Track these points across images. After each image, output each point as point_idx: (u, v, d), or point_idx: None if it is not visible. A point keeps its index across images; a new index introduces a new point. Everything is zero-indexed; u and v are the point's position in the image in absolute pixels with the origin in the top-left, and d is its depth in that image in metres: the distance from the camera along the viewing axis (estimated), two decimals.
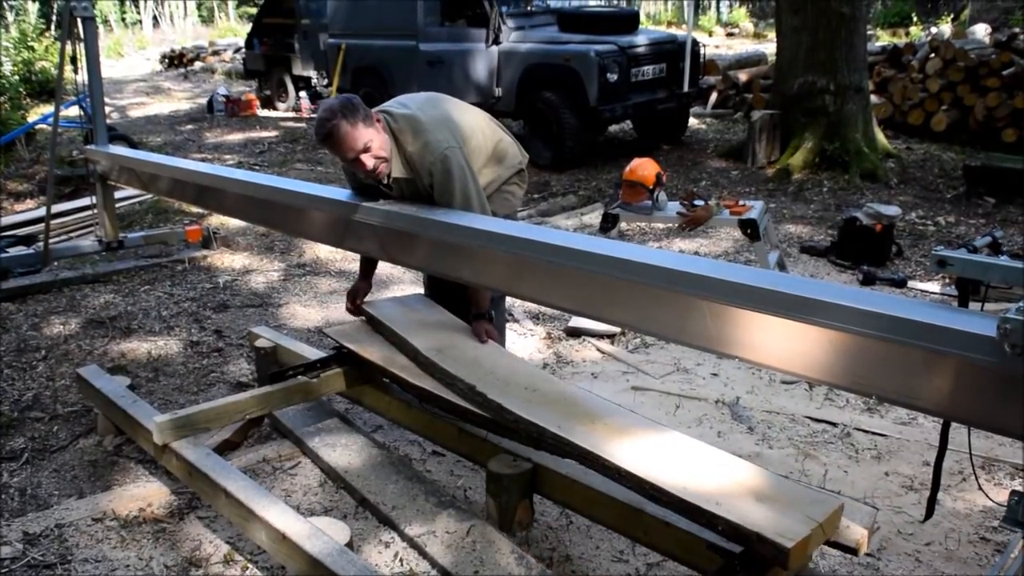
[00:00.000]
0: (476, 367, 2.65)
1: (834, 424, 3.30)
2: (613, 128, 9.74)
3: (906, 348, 1.68)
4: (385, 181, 2.82)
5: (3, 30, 14.62)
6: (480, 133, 2.97)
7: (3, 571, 2.48)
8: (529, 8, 9.08)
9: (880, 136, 8.27)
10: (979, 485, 2.52)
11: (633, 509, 2.31)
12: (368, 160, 2.68)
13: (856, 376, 1.80)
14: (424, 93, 3.08)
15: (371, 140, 2.67)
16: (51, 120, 6.08)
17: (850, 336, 1.74)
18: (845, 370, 1.81)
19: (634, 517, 2.31)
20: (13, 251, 5.45)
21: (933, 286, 4.87)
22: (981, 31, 12.04)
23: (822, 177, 7.47)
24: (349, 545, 2.14)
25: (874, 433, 3.24)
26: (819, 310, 1.77)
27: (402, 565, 2.43)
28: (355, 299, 3.19)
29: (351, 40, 10.18)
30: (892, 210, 5.50)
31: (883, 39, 15.20)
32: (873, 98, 8.73)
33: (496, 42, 8.48)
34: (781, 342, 1.86)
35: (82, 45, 4.77)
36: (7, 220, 6.42)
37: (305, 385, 2.96)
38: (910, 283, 4.94)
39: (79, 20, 4.70)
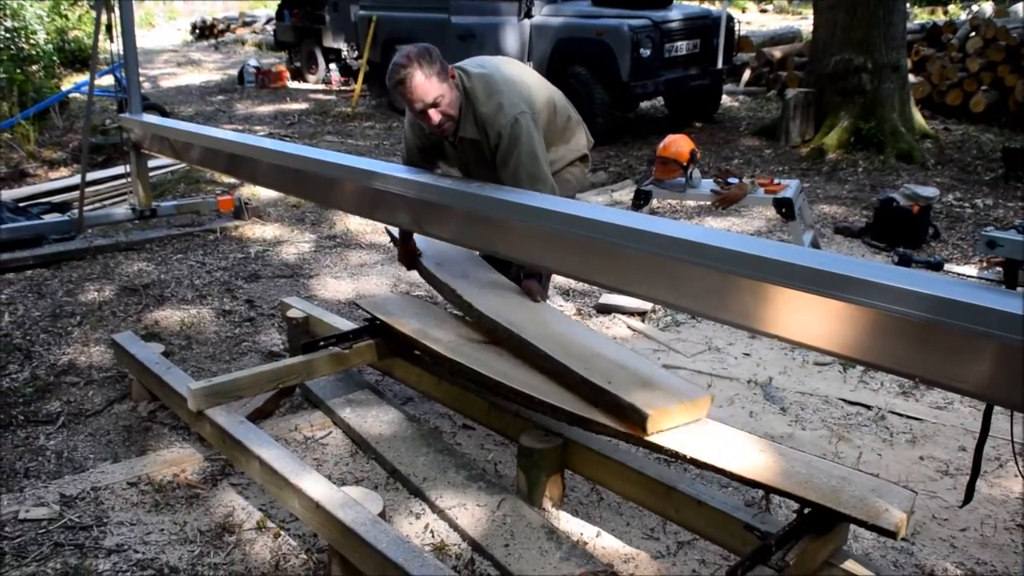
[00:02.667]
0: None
1: (868, 407, 3.27)
2: (644, 104, 9.65)
3: (950, 329, 1.65)
4: (450, 139, 2.81)
5: None
6: (551, 106, 2.92)
7: (41, 532, 2.52)
8: None
9: (917, 116, 8.12)
10: (1019, 470, 2.48)
11: (665, 486, 2.30)
12: (435, 115, 2.65)
13: (897, 357, 1.77)
14: (501, 56, 3.06)
15: (442, 96, 2.63)
16: (85, 88, 6.12)
17: (892, 316, 1.71)
18: (885, 350, 1.77)
19: (665, 494, 2.30)
20: (48, 218, 5.53)
21: (970, 269, 4.79)
22: None
23: (857, 157, 7.36)
24: (382, 515, 2.15)
25: (909, 417, 3.20)
26: (860, 288, 1.74)
27: (433, 536, 2.45)
28: (413, 257, 3.21)
29: (382, 12, 10.13)
30: (930, 191, 5.41)
31: (920, 17, 14.88)
32: (911, 77, 8.56)
33: (528, 15, 8.40)
34: (821, 321, 1.83)
35: (117, 14, 4.78)
36: (42, 187, 6.50)
37: (337, 356, 2.97)
38: (947, 266, 4.86)
39: None
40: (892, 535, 1.83)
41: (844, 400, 3.32)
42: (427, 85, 2.58)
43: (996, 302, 1.62)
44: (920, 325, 1.69)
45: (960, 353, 1.68)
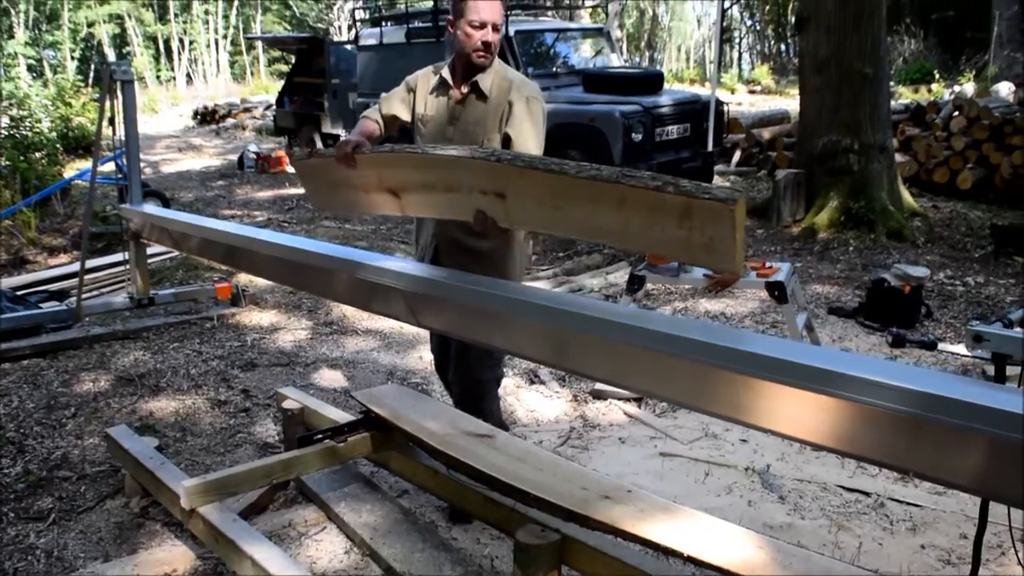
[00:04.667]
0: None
1: (867, 494, 3.24)
2: None
3: (940, 425, 1.66)
4: (461, 89, 2.90)
5: (42, 87, 15.05)
6: None
7: None
8: (554, 69, 9.22)
9: (905, 194, 8.26)
10: (1019, 560, 2.45)
11: None
12: (490, 36, 2.80)
13: (890, 451, 1.77)
14: None
15: (500, 27, 2.84)
16: (87, 176, 6.22)
17: (882, 411, 1.72)
18: (878, 445, 1.77)
19: None
20: (46, 306, 5.56)
21: (963, 348, 4.81)
22: (1005, 90, 12.09)
23: (848, 236, 7.45)
24: None
25: (908, 503, 3.17)
26: (847, 384, 1.75)
27: None
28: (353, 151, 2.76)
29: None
30: (920, 271, 5.47)
31: (905, 96, 15.26)
32: (897, 156, 8.73)
33: None
34: (811, 415, 1.83)
35: (120, 105, 4.90)
36: (41, 275, 6.56)
37: (332, 449, 2.96)
38: (940, 345, 4.87)
39: (119, 83, 4.85)
40: None
41: (843, 487, 3.30)
42: (500, 9, 2.82)
43: (986, 398, 1.63)
44: (911, 420, 1.69)
45: (952, 449, 1.68)
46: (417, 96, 3.05)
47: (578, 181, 2.05)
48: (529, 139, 2.82)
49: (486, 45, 2.79)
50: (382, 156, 2.77)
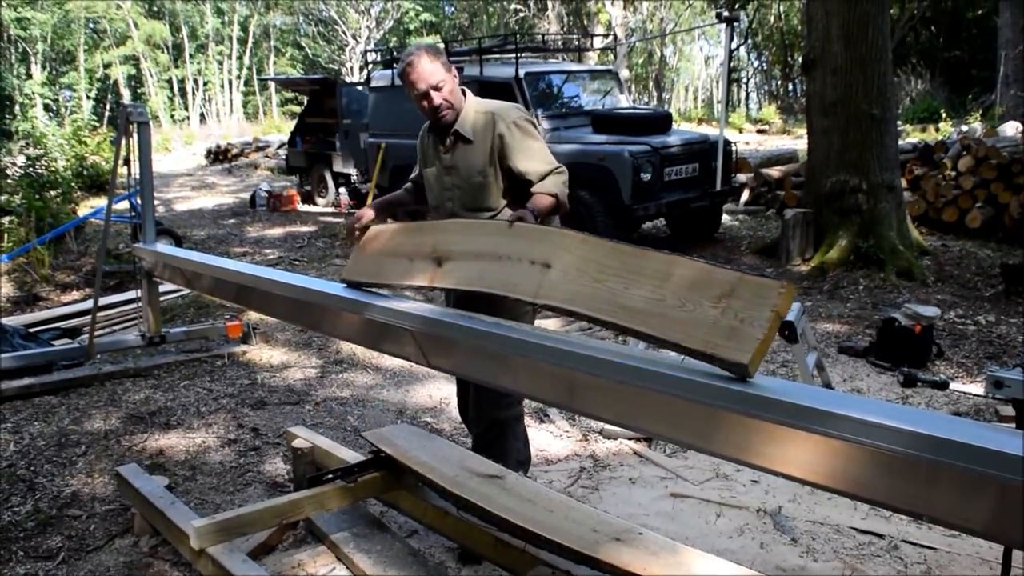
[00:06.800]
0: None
1: (881, 536, 3.21)
2: (647, 225, 9.85)
3: (952, 469, 1.65)
4: (446, 141, 2.96)
5: (58, 126, 15.26)
6: None
7: None
8: (563, 110, 9.32)
9: (915, 233, 8.26)
10: None
11: None
12: (436, 98, 2.83)
13: (902, 495, 1.76)
14: None
15: (444, 82, 2.84)
16: (101, 215, 6.29)
17: (892, 455, 1.72)
18: (890, 489, 1.77)
19: None
20: (58, 344, 5.59)
21: (975, 388, 4.78)
22: (1012, 129, 12.15)
23: (857, 275, 7.45)
24: None
25: (923, 546, 3.14)
26: (858, 428, 1.75)
27: None
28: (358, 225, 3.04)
29: (390, 139, 10.49)
30: (931, 311, 5.45)
31: (912, 135, 15.34)
32: (906, 195, 8.75)
33: None
34: (821, 459, 1.83)
35: (135, 140, 4.97)
36: (53, 313, 6.60)
37: (342, 489, 2.96)
38: (952, 385, 4.85)
39: (134, 124, 4.92)
40: None
41: (856, 529, 3.27)
42: (432, 68, 2.83)
43: (997, 442, 1.63)
44: (922, 465, 1.69)
45: (965, 494, 1.67)
46: (420, 149, 3.18)
47: (635, 249, 2.13)
48: (536, 161, 2.93)
49: (435, 110, 2.88)
50: (456, 223, 2.84)
